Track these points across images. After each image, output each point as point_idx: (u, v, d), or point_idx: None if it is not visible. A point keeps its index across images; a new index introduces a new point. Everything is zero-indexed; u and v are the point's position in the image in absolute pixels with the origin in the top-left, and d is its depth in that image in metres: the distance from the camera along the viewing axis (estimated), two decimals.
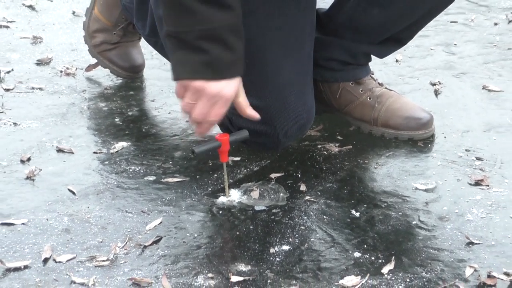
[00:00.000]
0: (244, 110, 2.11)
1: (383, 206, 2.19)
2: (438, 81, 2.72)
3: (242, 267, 1.99)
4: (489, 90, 2.67)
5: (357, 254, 2.02)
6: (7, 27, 3.13)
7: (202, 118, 2.07)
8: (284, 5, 2.20)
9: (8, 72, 2.83)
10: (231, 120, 2.23)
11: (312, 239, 2.08)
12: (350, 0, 2.37)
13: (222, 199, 2.22)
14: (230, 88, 2.04)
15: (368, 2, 2.34)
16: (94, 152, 2.42)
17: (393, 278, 1.94)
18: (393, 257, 2.00)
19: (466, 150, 2.39)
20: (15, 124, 2.55)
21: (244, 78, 2.07)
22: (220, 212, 2.18)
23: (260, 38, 2.16)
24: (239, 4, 2.02)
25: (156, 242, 2.07)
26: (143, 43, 2.78)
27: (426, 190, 2.24)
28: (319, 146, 2.43)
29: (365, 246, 2.05)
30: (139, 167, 2.36)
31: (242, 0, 2.03)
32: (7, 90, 2.72)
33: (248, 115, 2.12)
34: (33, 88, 2.74)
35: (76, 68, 2.84)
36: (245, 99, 2.10)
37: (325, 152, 2.40)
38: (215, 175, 2.31)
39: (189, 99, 2.05)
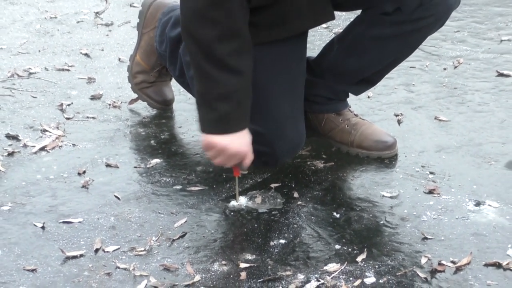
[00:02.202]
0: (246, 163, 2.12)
1: (358, 209, 2.18)
2: (400, 113, 2.72)
3: (249, 256, 1.98)
4: (440, 120, 2.67)
5: (337, 247, 2.02)
6: (68, 70, 3.14)
7: (224, 165, 2.10)
8: (283, 56, 2.20)
9: (69, 105, 2.83)
10: None
11: (302, 235, 2.07)
12: (333, 51, 2.37)
13: (233, 203, 2.22)
14: (237, 141, 2.05)
15: (346, 53, 2.34)
16: (135, 167, 2.42)
17: (365, 265, 1.94)
18: (365, 249, 1.99)
19: (422, 166, 2.39)
20: (73, 145, 2.55)
21: (251, 111, 2.07)
22: (232, 213, 2.18)
23: (264, 80, 2.16)
24: (249, 66, 2.02)
25: (182, 236, 2.07)
26: (173, 82, 2.78)
27: (391, 197, 2.24)
28: (308, 163, 2.42)
29: (343, 240, 2.05)
30: (169, 178, 2.35)
31: (253, 51, 2.04)
32: (68, 118, 2.72)
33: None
34: (87, 117, 2.74)
35: (121, 102, 2.84)
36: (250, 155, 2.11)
37: (313, 167, 2.40)
38: (228, 185, 2.30)
39: (212, 154, 2.08)
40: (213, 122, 2.04)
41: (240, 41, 1.99)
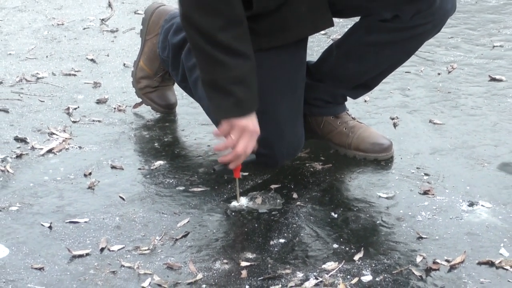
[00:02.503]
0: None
1: (355, 209, 2.19)
2: (396, 116, 2.72)
3: (249, 255, 1.98)
4: (434, 123, 2.67)
5: (335, 246, 2.02)
6: (74, 75, 3.14)
7: (243, 151, 2.06)
8: (283, 62, 2.21)
9: (75, 108, 2.83)
10: None
11: (301, 234, 2.07)
12: (332, 56, 2.37)
13: (234, 204, 2.22)
14: (254, 121, 2.04)
15: (345, 59, 2.34)
16: (139, 169, 2.42)
17: (362, 264, 1.94)
18: (362, 248, 1.99)
19: (417, 168, 2.39)
20: (80, 147, 2.55)
21: None
22: (233, 214, 2.18)
23: (265, 85, 2.16)
24: (252, 51, 2.02)
25: (185, 236, 2.07)
26: (176, 86, 2.78)
27: (387, 198, 2.24)
28: (307, 164, 2.42)
29: (341, 239, 2.05)
30: (172, 180, 2.35)
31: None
32: (74, 122, 2.73)
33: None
34: (93, 120, 2.74)
35: (126, 106, 2.84)
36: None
37: (311, 169, 2.40)
38: (229, 186, 2.30)
39: (233, 136, 2.05)
40: (231, 106, 2.02)
41: (242, 28, 2.00)
